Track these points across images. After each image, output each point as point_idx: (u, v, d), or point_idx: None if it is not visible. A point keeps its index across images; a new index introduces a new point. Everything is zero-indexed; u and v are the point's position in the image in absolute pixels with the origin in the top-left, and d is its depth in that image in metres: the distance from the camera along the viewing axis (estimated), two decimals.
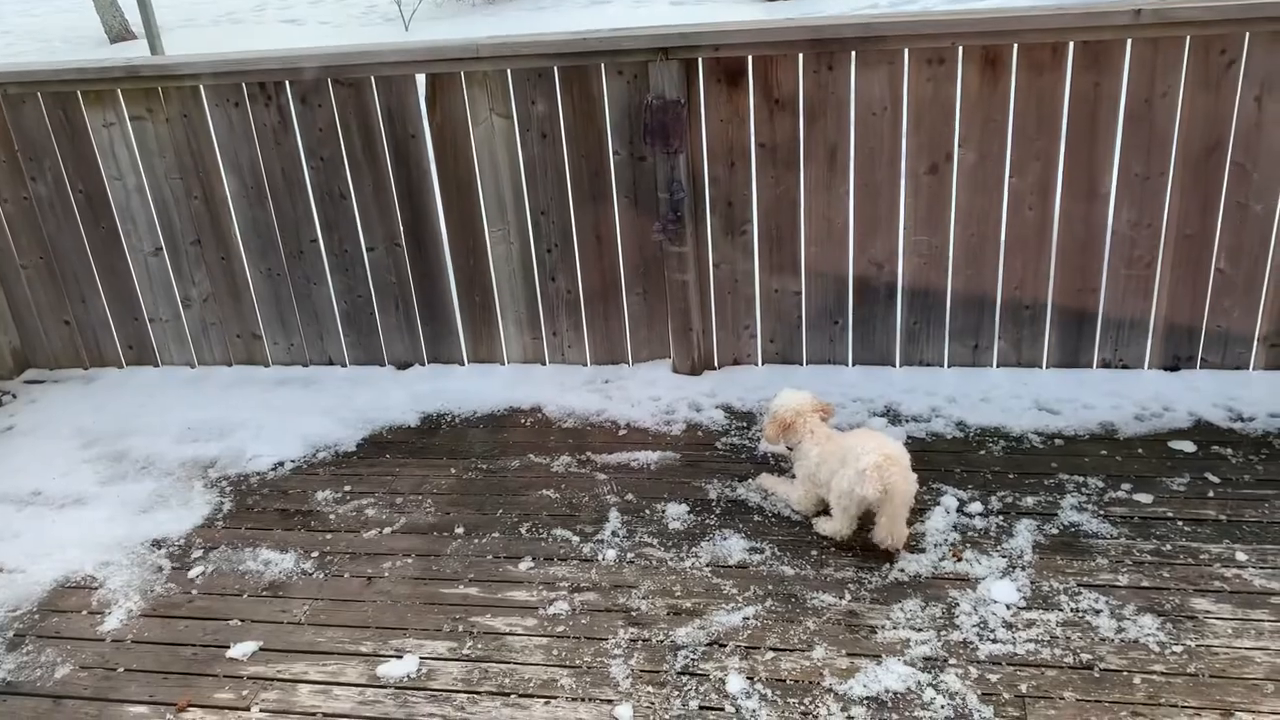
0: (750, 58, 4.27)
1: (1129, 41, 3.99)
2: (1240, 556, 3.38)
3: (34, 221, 5.06)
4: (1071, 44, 4.03)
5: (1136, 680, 2.93)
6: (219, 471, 4.40)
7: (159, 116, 4.76)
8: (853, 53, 4.18)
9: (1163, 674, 2.95)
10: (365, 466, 4.36)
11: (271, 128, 4.70)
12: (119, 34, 17.52)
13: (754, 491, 3.92)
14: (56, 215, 5.03)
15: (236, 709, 3.11)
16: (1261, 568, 3.33)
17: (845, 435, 3.69)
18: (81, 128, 4.84)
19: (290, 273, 4.99)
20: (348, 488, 4.21)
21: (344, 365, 5.17)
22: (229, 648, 3.35)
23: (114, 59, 4.96)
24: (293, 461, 4.43)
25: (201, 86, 4.67)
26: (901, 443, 3.59)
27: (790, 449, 3.83)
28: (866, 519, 3.52)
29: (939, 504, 3.74)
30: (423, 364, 5.11)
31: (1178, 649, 3.03)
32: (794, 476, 3.81)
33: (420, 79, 4.58)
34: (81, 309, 5.25)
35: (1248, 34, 3.92)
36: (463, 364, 5.08)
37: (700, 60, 4.29)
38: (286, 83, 4.61)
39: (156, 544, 3.94)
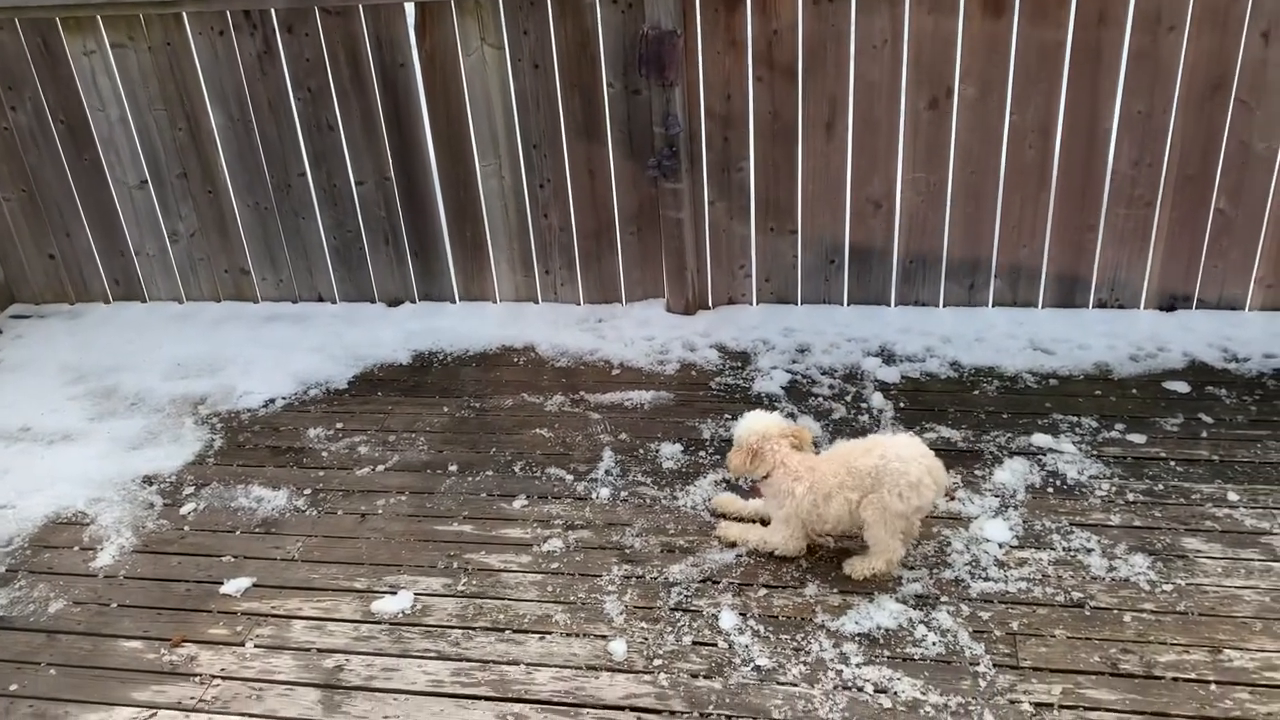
0: None
1: None
2: (1232, 496, 3.40)
3: (15, 153, 4.95)
4: None
5: (1126, 618, 2.96)
6: (209, 408, 4.37)
7: (141, 45, 4.64)
8: None
9: (1152, 612, 2.97)
10: (357, 404, 4.34)
11: (257, 57, 4.59)
12: None
13: (721, 546, 3.35)
14: (38, 146, 4.92)
15: (231, 644, 3.12)
16: (1252, 508, 3.34)
17: (830, 460, 3.18)
18: (61, 56, 4.72)
19: (278, 207, 4.91)
20: (339, 425, 4.19)
21: (334, 302, 5.12)
22: (222, 584, 3.35)
23: None
24: (284, 398, 4.40)
25: (185, 14, 4.54)
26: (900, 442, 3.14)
27: (757, 484, 3.31)
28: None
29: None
30: (414, 301, 5.06)
31: (1168, 587, 3.05)
32: (761, 518, 3.37)
33: (409, 7, 4.46)
34: (66, 243, 5.17)
35: None
36: (454, 301, 5.03)
37: None
38: (272, 10, 4.48)
39: (148, 480, 3.93)
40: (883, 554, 3.11)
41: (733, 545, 3.34)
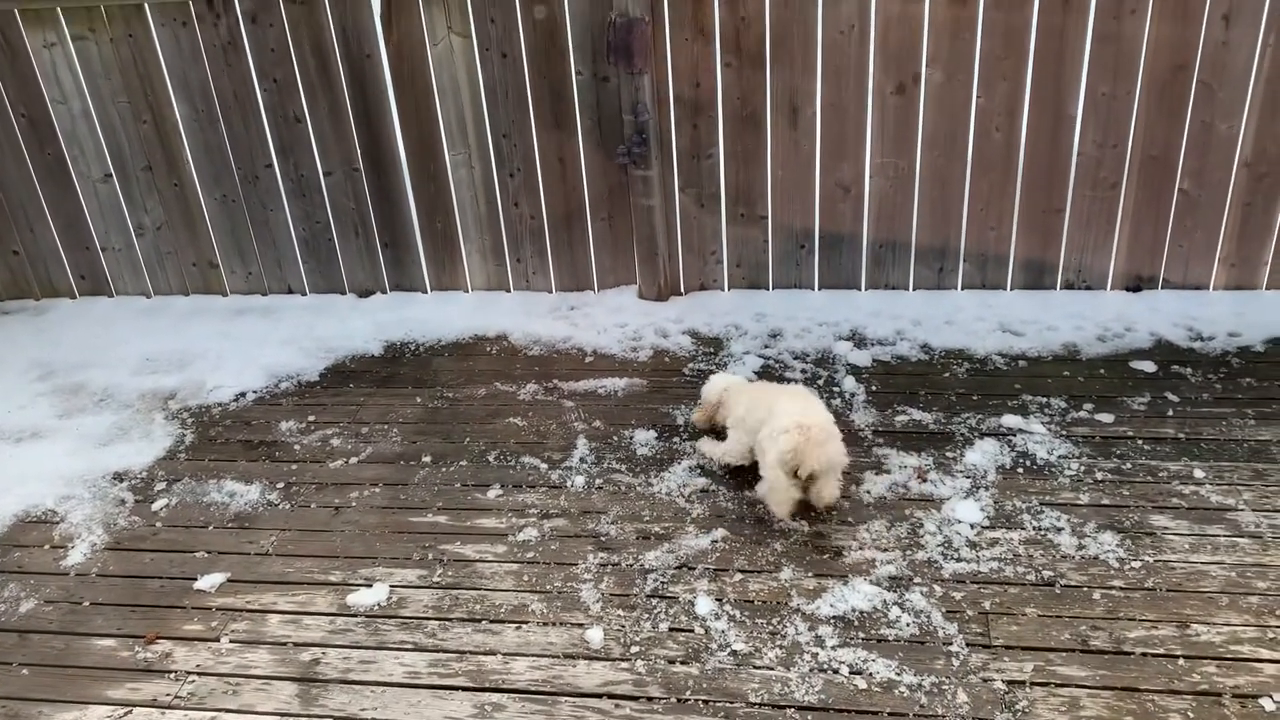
0: None
1: None
2: (1198, 474, 3.45)
3: None
4: None
5: (1096, 595, 3.00)
6: (179, 403, 4.33)
7: (103, 36, 4.58)
8: None
9: (1121, 589, 3.01)
10: (329, 396, 4.31)
11: (221, 48, 4.54)
12: None
13: (695, 457, 3.71)
14: None
15: (206, 640, 3.10)
16: (1218, 484, 3.40)
17: (776, 391, 3.55)
18: (21, 49, 4.64)
19: (246, 199, 4.87)
20: (312, 418, 4.17)
21: (304, 294, 5.08)
22: (196, 580, 3.33)
23: None
24: (255, 392, 4.37)
25: (146, 5, 4.49)
26: (823, 407, 3.41)
27: (724, 427, 3.67)
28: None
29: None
30: (384, 292, 5.03)
31: (1136, 565, 3.10)
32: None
33: None
34: (30, 239, 5.10)
35: None
36: (425, 291, 5.01)
37: None
38: (235, 1, 4.44)
39: (118, 477, 3.89)
40: (769, 488, 3.34)
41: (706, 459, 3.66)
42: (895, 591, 3.05)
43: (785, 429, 3.23)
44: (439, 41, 4.43)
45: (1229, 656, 2.76)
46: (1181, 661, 2.75)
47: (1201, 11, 3.97)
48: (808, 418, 3.26)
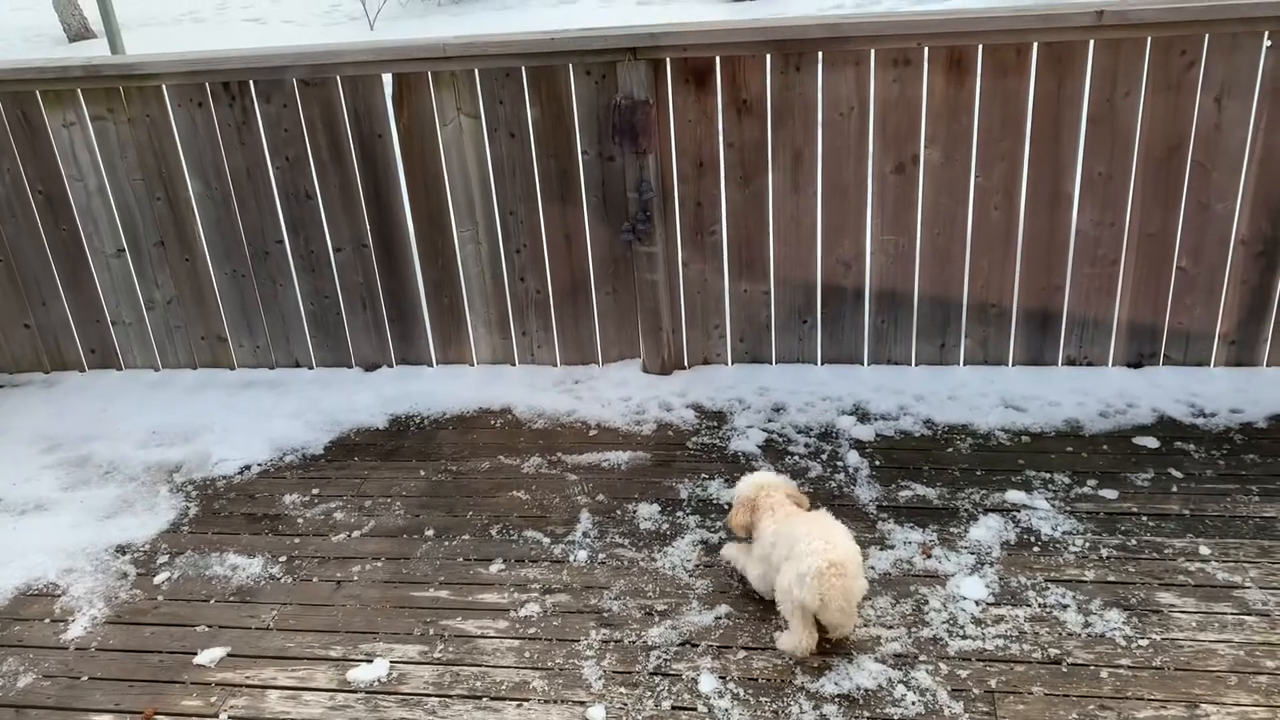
0: (718, 58, 4.28)
1: (1091, 43, 4.04)
2: (1204, 550, 3.43)
3: None
4: (1035, 45, 4.06)
5: (1104, 674, 2.97)
6: (184, 476, 4.35)
7: (120, 116, 4.70)
8: (819, 53, 4.20)
9: (1129, 667, 2.98)
10: (333, 469, 4.32)
11: (235, 128, 4.65)
12: (78, 33, 17.26)
13: (723, 564, 3.50)
14: (15, 217, 4.94)
15: (204, 716, 3.07)
16: (1224, 561, 3.38)
17: (801, 519, 3.20)
18: (41, 128, 4.76)
19: (256, 274, 4.94)
20: (316, 491, 4.17)
21: (311, 367, 5.12)
22: (196, 654, 3.31)
23: (74, 58, 4.89)
24: (259, 465, 4.38)
25: (164, 86, 4.61)
26: (851, 539, 3.08)
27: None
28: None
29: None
30: (391, 365, 5.07)
31: (1143, 643, 3.07)
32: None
33: (387, 79, 4.54)
34: (42, 312, 5.16)
35: (1207, 35, 3.97)
36: (431, 365, 5.05)
37: (668, 60, 4.30)
38: (250, 82, 4.56)
39: (121, 550, 3.89)
40: (790, 639, 3.09)
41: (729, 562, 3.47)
42: (900, 669, 3.03)
43: (812, 555, 2.98)
44: (449, 122, 4.53)
45: None
46: None
47: (1194, 94, 4.06)
48: (835, 549, 3.01)
